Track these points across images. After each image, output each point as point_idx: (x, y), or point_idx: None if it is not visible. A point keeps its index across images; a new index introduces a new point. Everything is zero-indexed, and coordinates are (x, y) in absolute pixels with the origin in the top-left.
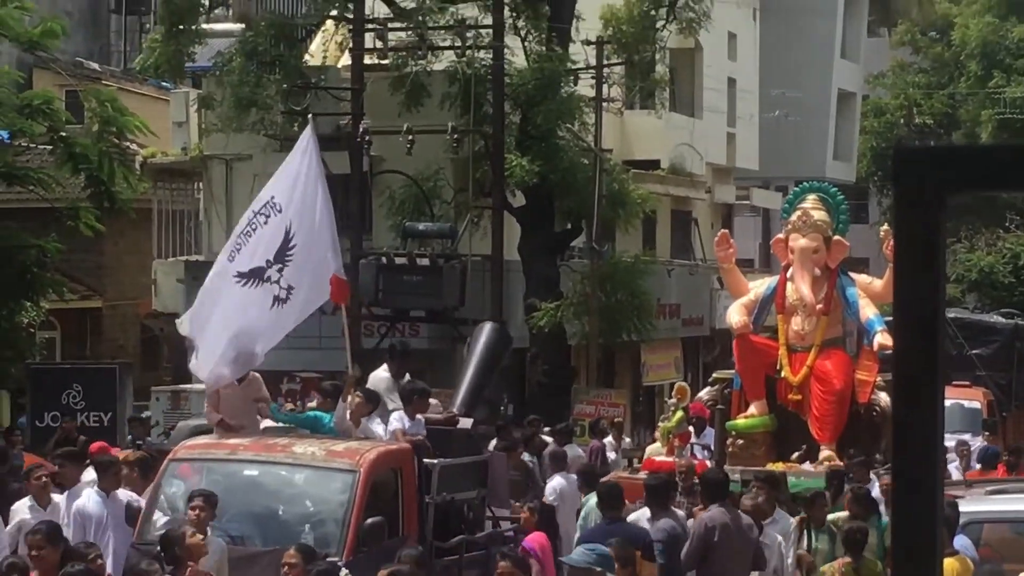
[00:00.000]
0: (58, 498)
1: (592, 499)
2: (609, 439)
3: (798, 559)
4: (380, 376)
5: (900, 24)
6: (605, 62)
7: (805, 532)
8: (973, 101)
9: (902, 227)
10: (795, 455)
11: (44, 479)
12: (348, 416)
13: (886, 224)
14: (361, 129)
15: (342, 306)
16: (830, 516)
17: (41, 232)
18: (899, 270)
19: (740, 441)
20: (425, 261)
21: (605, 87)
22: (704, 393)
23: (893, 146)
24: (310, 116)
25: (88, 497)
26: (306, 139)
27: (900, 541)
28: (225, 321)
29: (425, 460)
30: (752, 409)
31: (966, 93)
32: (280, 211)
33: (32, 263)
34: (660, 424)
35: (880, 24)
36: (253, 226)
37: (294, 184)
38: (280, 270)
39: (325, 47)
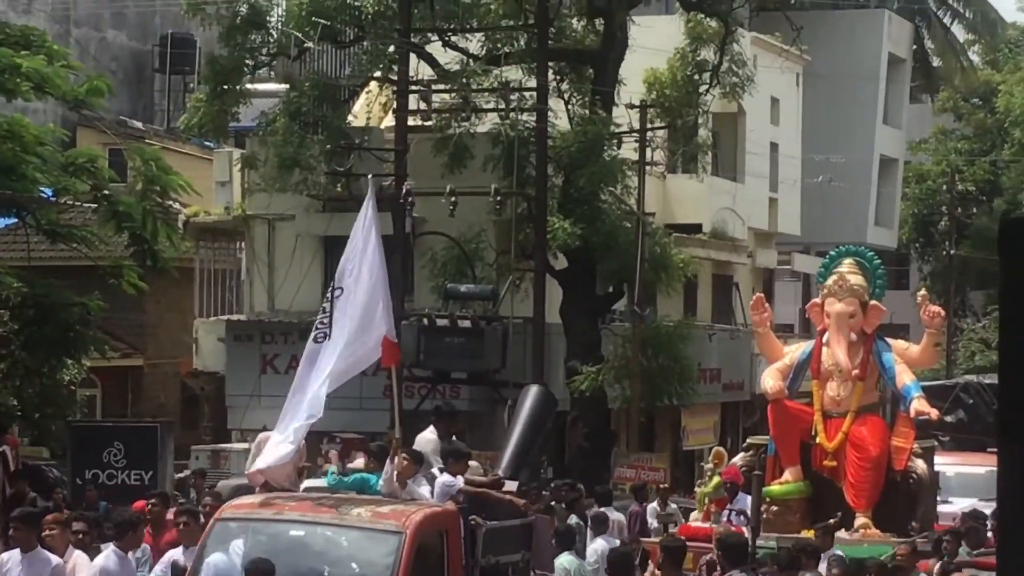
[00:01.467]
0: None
1: (563, 557)
2: (654, 504)
3: None
4: (427, 438)
5: (943, 91)
6: (648, 126)
7: None
8: (1016, 168)
9: (1008, 294)
10: (830, 522)
11: None
12: (395, 477)
13: (923, 289)
14: (404, 190)
15: (391, 368)
16: None
17: (84, 290)
18: (1006, 336)
19: (775, 507)
20: (467, 323)
21: (648, 151)
22: (738, 459)
23: (1000, 217)
24: (370, 177)
25: (107, 557)
26: (366, 201)
27: None
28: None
29: (471, 521)
30: (787, 475)
31: (1009, 160)
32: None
33: (75, 321)
34: (697, 489)
35: (922, 91)
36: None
37: (353, 247)
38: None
39: (369, 108)
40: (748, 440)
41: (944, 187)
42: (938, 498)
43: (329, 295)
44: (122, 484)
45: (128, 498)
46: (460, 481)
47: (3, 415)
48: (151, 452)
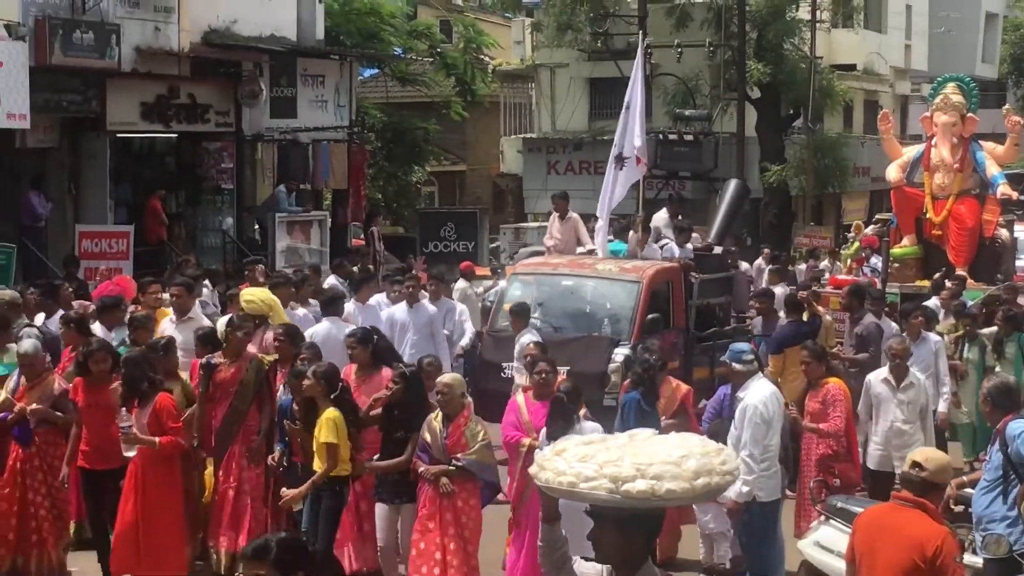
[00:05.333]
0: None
1: None
2: (825, 263)
3: (953, 368)
4: (660, 216)
5: None
6: None
7: (961, 344)
8: None
9: None
10: (936, 275)
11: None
12: (637, 243)
13: (1008, 106)
14: (645, 44)
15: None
16: (982, 331)
17: (424, 118)
18: None
19: (896, 264)
20: (689, 136)
21: (818, 12)
22: (870, 229)
23: None
24: (640, 34)
25: (399, 308)
26: (638, 56)
27: None
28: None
29: (690, 275)
30: (905, 241)
31: None
32: (627, 109)
33: (419, 140)
34: (842, 251)
35: None
36: (621, 122)
37: (632, 88)
38: (621, 155)
39: None
40: (877, 216)
41: None
42: (1017, 256)
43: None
44: (453, 251)
45: (458, 261)
46: (690, 248)
47: (373, 206)
48: (473, 229)
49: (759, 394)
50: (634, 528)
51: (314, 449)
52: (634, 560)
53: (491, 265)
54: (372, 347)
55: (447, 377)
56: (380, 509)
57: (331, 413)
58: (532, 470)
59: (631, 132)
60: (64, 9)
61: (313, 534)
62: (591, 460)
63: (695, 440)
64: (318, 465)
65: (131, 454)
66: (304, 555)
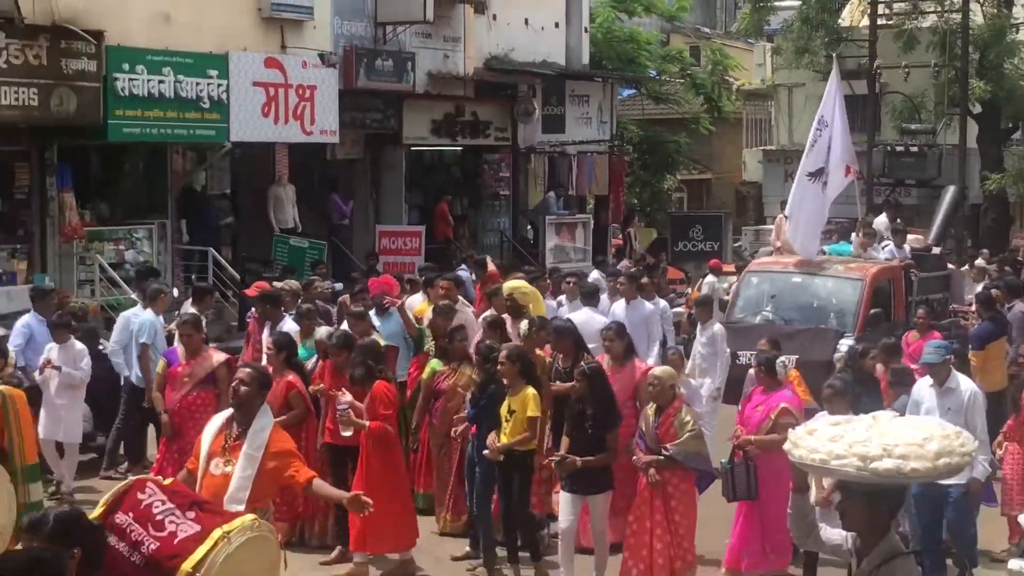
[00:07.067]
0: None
1: None
2: None
3: None
4: (881, 220)
5: None
6: None
7: None
8: None
9: None
10: None
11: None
12: (860, 245)
13: None
14: (875, 65)
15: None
16: None
17: (675, 132)
18: None
19: None
20: (915, 148)
21: None
22: None
23: None
24: (834, 56)
25: (618, 305)
26: (833, 73)
27: None
28: (802, 206)
29: (910, 273)
30: None
31: None
32: (827, 126)
33: (671, 152)
34: None
35: None
36: (814, 138)
37: (831, 106)
38: (824, 169)
39: (851, 13)
40: None
41: None
42: None
43: (816, 131)
44: (700, 251)
45: (706, 259)
46: (905, 250)
47: (630, 210)
48: (718, 231)
49: (973, 384)
50: (879, 502)
51: (508, 421)
52: (878, 530)
53: (735, 263)
54: (627, 341)
55: (658, 370)
56: (565, 497)
57: (531, 391)
58: (786, 447)
59: (835, 145)
60: (368, 40)
61: (511, 502)
62: (841, 440)
63: (934, 423)
64: (510, 436)
65: (347, 433)
66: (81, 530)
